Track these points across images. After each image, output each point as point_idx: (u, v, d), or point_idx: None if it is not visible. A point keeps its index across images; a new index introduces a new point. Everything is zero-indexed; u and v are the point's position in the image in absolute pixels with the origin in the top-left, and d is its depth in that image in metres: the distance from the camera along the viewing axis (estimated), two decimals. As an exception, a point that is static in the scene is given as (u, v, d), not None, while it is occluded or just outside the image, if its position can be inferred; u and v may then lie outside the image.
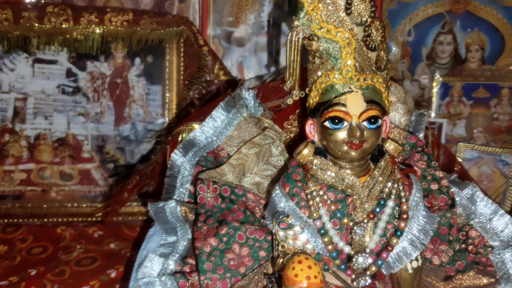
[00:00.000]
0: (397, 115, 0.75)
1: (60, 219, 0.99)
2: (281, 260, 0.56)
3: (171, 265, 0.64)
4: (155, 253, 0.64)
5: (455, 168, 0.92)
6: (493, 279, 0.65)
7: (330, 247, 0.56)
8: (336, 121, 0.55)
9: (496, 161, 1.13)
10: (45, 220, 0.99)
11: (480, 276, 0.65)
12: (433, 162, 0.70)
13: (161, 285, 0.60)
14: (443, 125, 1.17)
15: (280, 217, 0.55)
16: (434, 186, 0.68)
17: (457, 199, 0.69)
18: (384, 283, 0.60)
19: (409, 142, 0.70)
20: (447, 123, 1.17)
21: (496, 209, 0.69)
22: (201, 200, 0.68)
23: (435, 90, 1.18)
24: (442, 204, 0.68)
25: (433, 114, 1.17)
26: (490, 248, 0.67)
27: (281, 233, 0.55)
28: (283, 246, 0.56)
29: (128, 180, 0.90)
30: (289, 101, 0.77)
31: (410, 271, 0.58)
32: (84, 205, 1.01)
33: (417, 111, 0.78)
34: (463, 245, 0.67)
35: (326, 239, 0.56)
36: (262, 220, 0.65)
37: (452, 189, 0.69)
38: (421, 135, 0.76)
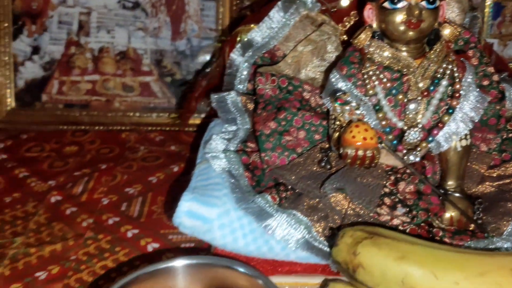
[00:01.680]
0: (452, 14, 0.76)
1: (123, 127, 1.07)
2: (337, 134, 0.60)
3: (233, 147, 0.70)
4: (219, 135, 0.70)
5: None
6: (540, 167, 0.67)
7: (384, 122, 0.60)
8: (395, 0, 0.58)
9: (547, 82, 1.12)
10: (110, 128, 1.07)
11: (527, 165, 0.68)
12: (485, 59, 0.72)
13: (226, 158, 0.66)
14: (494, 46, 1.16)
15: (338, 94, 0.60)
16: (485, 82, 0.71)
17: (506, 94, 0.72)
18: (433, 163, 0.64)
19: (463, 37, 0.72)
20: (498, 43, 1.17)
21: (546, 101, 0.71)
22: (260, 91, 0.73)
23: (487, 10, 1.16)
24: (492, 97, 0.70)
25: (484, 35, 1.17)
26: (538, 138, 0.69)
27: (338, 108, 0.60)
28: (339, 121, 0.60)
29: (193, 90, 0.95)
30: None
31: (459, 149, 0.62)
32: (145, 115, 1.08)
33: (471, 13, 0.79)
34: (511, 135, 0.69)
35: (380, 115, 0.60)
36: (317, 109, 0.70)
37: (502, 84, 0.71)
38: (473, 39, 0.77)
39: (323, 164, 0.63)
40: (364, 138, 0.55)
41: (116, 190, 0.85)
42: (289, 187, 0.63)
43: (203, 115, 1.04)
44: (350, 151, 0.55)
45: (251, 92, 0.77)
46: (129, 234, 0.73)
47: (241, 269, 0.52)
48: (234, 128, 0.73)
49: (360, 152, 0.55)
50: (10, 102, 1.07)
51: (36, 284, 0.64)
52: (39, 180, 0.87)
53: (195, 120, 1.06)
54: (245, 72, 0.79)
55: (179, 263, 0.52)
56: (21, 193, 0.83)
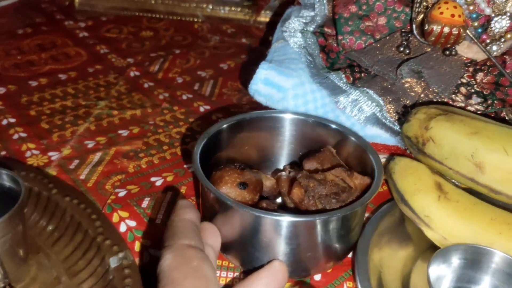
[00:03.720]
0: None
1: (196, 19, 1.09)
2: (421, 15, 0.60)
3: (310, 29, 0.70)
4: (297, 18, 0.71)
5: None
6: None
7: (471, 7, 0.59)
8: None
9: None
10: (183, 18, 1.10)
11: None
12: None
13: (302, 37, 0.67)
14: None
15: (428, -27, 0.58)
16: None
17: None
18: (515, 60, 0.63)
19: None
20: None
21: None
22: (342, -23, 0.72)
23: None
24: None
25: None
26: None
27: (426, -12, 0.59)
28: (426, 1, 0.59)
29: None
30: None
31: (547, 44, 0.60)
32: (218, 8, 1.10)
33: None
34: None
35: (469, -1, 0.59)
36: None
37: None
38: None
39: (402, 48, 0.63)
40: (452, 15, 0.54)
41: (190, 72, 0.88)
42: (364, 69, 0.64)
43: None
44: (436, 27, 0.55)
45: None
46: (202, 109, 0.78)
47: (333, 126, 0.56)
48: (312, 13, 0.73)
49: (446, 29, 0.54)
50: (91, -15, 1.11)
51: (118, 139, 0.69)
52: (119, 57, 0.92)
53: (262, 17, 1.07)
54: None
55: (287, 115, 0.57)
56: (103, 66, 0.89)
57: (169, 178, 0.62)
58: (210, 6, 1.10)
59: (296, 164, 0.60)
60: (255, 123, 0.56)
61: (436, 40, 0.56)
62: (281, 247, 0.44)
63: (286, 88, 0.61)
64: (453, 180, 0.53)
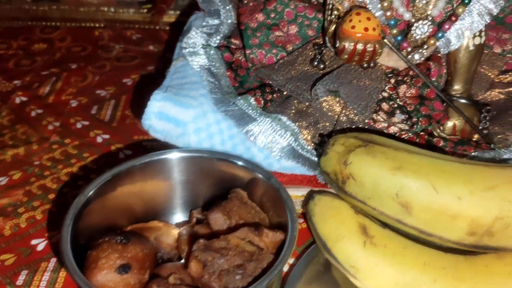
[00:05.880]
0: None
1: (97, 24, 0.97)
2: (333, 26, 0.52)
3: (215, 42, 0.61)
4: (199, 29, 0.61)
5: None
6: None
7: (389, 13, 0.51)
8: None
9: None
10: (83, 24, 0.97)
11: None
12: None
13: (205, 54, 0.58)
14: None
15: (337, -23, 0.50)
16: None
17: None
18: (440, 65, 0.56)
19: None
20: None
21: None
22: (247, -22, 0.63)
23: None
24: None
25: None
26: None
27: (337, -5, 0.51)
28: (337, 10, 0.51)
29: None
30: None
31: (471, 48, 0.54)
32: (121, 10, 0.98)
33: None
34: (530, 35, 0.61)
35: (385, 4, 0.51)
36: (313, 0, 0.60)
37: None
38: None
39: (315, 63, 0.56)
40: (366, 29, 0.46)
41: (86, 91, 0.77)
42: (276, 89, 0.56)
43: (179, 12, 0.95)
44: (348, 45, 0.47)
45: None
46: (99, 139, 0.67)
47: (240, 163, 0.48)
48: (216, 22, 0.64)
49: (360, 46, 0.47)
50: (-30, -7, 0.95)
51: (-5, 190, 0.58)
52: (4, 80, 0.79)
53: (171, 17, 0.96)
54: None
55: (174, 155, 0.48)
56: (-18, 93, 0.76)
57: (54, 238, 0.52)
58: (112, 9, 0.97)
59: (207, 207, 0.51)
60: (143, 169, 0.47)
61: (349, 58, 0.48)
62: None
63: (186, 121, 0.52)
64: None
